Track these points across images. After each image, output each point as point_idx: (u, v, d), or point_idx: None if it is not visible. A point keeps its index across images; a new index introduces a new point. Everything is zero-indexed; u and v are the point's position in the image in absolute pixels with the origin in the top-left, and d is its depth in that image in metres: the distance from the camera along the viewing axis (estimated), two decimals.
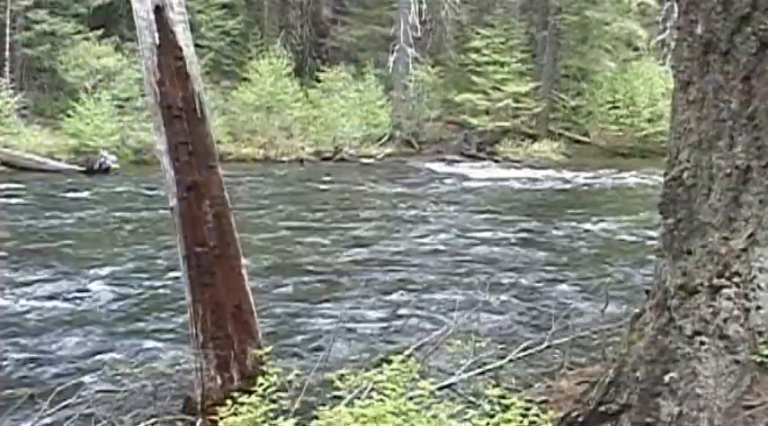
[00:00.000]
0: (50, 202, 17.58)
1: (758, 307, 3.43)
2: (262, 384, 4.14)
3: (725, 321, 3.45)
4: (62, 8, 28.90)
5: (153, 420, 5.04)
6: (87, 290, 10.23)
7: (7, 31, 27.45)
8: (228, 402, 4.02)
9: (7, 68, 27.05)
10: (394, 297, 10.10)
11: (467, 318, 6.67)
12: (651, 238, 12.14)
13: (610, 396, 3.75)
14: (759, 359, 3.38)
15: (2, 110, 24.64)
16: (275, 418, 3.82)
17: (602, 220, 16.70)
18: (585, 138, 31.62)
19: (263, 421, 3.81)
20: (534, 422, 3.60)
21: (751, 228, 3.46)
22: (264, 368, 4.66)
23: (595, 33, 32.22)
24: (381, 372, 3.95)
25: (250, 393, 4.05)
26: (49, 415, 5.10)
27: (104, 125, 24.53)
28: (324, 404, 3.91)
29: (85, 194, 18.99)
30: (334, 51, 34.04)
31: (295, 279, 11.03)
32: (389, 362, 4.01)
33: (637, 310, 3.92)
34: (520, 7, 34.02)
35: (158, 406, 5.24)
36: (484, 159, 28.90)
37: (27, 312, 9.21)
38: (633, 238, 14.42)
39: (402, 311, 9.42)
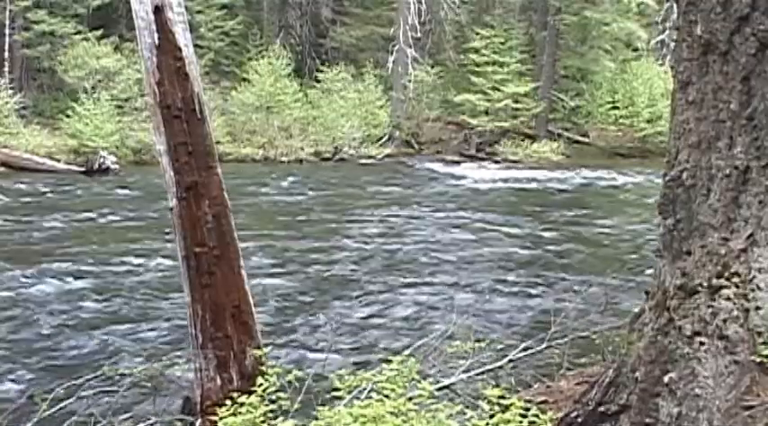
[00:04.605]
0: (49, 202, 17.57)
1: (757, 308, 3.43)
2: (261, 384, 4.13)
3: (724, 321, 3.45)
4: (62, 8, 28.85)
5: (152, 420, 5.05)
6: (86, 290, 10.23)
7: (7, 31, 27.41)
8: (228, 402, 4.01)
9: (7, 68, 27.01)
10: (393, 297, 10.11)
11: (467, 318, 6.68)
12: (650, 239, 12.15)
13: (609, 397, 3.75)
14: (759, 359, 3.38)
15: (1, 111, 24.59)
16: (275, 418, 3.82)
17: (601, 220, 16.71)
18: (585, 139, 31.58)
19: (263, 422, 3.80)
20: (534, 423, 3.60)
21: (750, 229, 3.46)
22: (264, 368, 4.65)
23: (595, 34, 32.15)
24: (381, 372, 3.95)
25: (249, 393, 4.04)
26: (49, 415, 5.09)
27: (104, 125, 24.49)
28: (323, 404, 3.90)
29: (85, 194, 18.98)
30: (334, 51, 34.00)
31: (295, 279, 11.03)
32: (389, 362, 4.01)
33: (636, 310, 3.92)
34: (519, 7, 33.97)
35: (158, 406, 5.24)
36: (483, 159, 28.84)
37: (25, 313, 9.21)
38: (632, 238, 14.43)
39: (401, 311, 9.43)
